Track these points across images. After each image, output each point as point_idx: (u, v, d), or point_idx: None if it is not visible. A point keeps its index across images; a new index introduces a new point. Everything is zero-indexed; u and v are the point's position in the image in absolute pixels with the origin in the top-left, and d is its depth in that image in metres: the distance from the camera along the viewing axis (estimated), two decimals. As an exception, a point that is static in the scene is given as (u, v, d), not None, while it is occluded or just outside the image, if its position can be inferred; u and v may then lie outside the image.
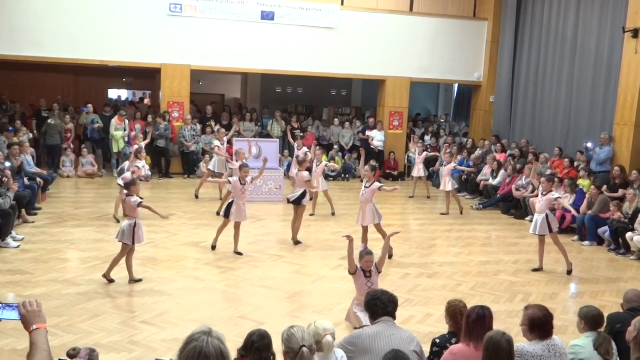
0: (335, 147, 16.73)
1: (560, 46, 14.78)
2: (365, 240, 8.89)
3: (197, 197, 12.77)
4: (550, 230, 8.73)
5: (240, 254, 8.86)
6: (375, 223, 8.89)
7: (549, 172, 12.73)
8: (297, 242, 9.58)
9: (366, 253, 6.35)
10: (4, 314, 2.71)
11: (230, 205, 8.89)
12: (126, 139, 14.84)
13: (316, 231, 10.53)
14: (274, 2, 15.58)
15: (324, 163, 12.36)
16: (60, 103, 16.38)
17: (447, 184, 12.52)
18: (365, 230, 8.98)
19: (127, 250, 7.46)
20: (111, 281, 7.44)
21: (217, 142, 13.08)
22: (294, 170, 13.22)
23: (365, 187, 8.98)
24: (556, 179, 11.55)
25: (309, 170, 10.55)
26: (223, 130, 13.72)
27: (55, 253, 8.58)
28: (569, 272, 8.82)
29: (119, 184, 10.72)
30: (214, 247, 9.03)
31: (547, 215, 8.71)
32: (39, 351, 2.56)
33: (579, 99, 14.12)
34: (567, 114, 14.57)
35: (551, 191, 8.85)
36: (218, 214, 10.85)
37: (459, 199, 13.15)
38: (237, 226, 8.92)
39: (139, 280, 7.51)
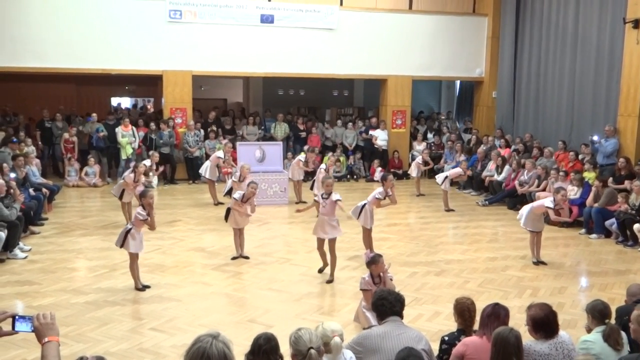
0: (339, 150, 16.71)
1: (561, 39, 14.74)
2: (368, 243, 8.87)
3: (221, 203, 12.66)
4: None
5: (247, 257, 8.86)
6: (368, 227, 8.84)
7: (554, 166, 12.73)
8: (330, 281, 8.00)
9: (379, 256, 6.20)
10: (18, 326, 2.74)
11: (228, 210, 8.88)
12: (134, 146, 14.89)
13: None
14: (273, 5, 15.61)
15: (323, 166, 12.39)
16: (62, 113, 16.44)
17: (446, 183, 12.75)
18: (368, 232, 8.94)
19: (134, 257, 7.47)
20: (143, 288, 7.50)
21: (220, 153, 13.16)
22: (294, 172, 13.34)
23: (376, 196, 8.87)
24: (553, 171, 11.67)
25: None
26: (230, 145, 13.72)
27: (62, 263, 8.62)
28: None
29: (113, 193, 10.82)
30: (234, 258, 8.87)
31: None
32: None
33: (581, 91, 14.07)
34: (570, 107, 14.53)
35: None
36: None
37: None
38: (240, 231, 8.93)
39: (141, 289, 7.51)
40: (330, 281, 7.94)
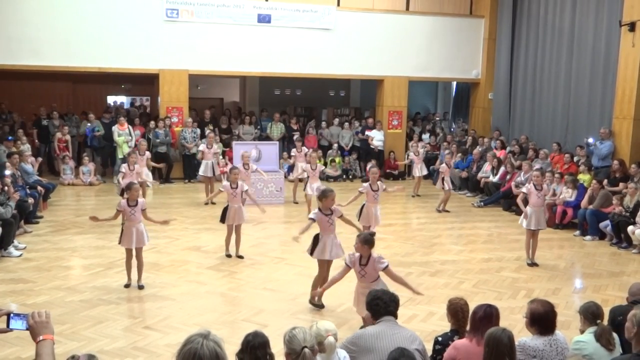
0: (335, 147, 16.78)
1: (558, 41, 14.79)
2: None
3: (213, 203, 12.71)
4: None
5: (241, 257, 8.86)
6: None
7: (549, 168, 12.77)
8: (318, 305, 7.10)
9: (371, 236, 6.03)
10: (13, 324, 2.74)
11: (225, 210, 8.86)
12: (131, 144, 14.86)
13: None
14: (270, 4, 15.61)
15: (319, 167, 12.38)
16: (56, 110, 16.41)
17: (446, 182, 12.71)
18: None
19: (127, 252, 7.54)
20: (127, 285, 7.53)
21: (202, 146, 13.35)
22: (298, 172, 13.32)
23: (374, 190, 9.00)
24: (548, 173, 11.75)
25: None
26: (212, 134, 13.89)
27: (57, 261, 8.60)
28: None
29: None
30: (229, 256, 8.90)
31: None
32: None
33: (577, 93, 14.12)
34: (565, 109, 14.58)
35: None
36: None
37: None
38: (236, 229, 8.91)
39: (126, 285, 7.52)
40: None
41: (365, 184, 9.10)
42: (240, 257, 8.87)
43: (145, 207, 7.64)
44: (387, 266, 5.82)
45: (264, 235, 10.42)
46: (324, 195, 7.04)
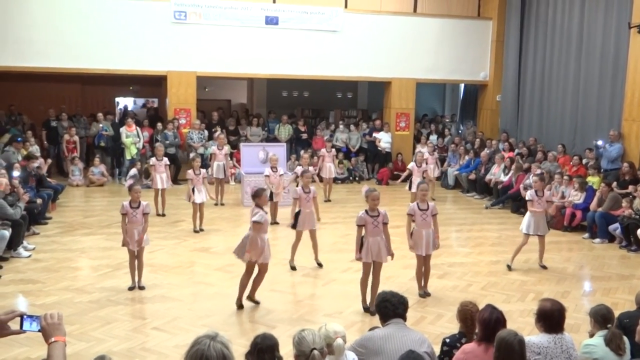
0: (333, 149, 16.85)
1: (566, 43, 14.73)
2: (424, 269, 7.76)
3: (222, 204, 12.94)
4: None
5: (320, 264, 8.60)
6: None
7: (558, 170, 12.71)
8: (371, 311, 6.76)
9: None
10: (26, 326, 2.76)
11: (297, 215, 8.55)
12: (139, 146, 14.90)
13: (326, 235, 10.51)
14: (278, 6, 15.65)
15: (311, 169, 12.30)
16: (65, 112, 16.51)
17: (414, 183, 11.99)
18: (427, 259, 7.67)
19: (129, 253, 7.55)
20: (131, 288, 7.53)
21: (212, 148, 13.57)
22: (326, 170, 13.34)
23: (422, 209, 7.53)
24: (557, 175, 11.69)
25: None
26: (222, 136, 13.95)
27: (66, 262, 8.65)
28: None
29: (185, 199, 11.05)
30: (294, 268, 8.50)
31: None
32: None
33: (586, 96, 14.05)
34: (574, 112, 14.51)
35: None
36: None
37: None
38: (312, 235, 8.59)
39: (132, 288, 7.52)
40: (371, 312, 6.71)
41: (412, 204, 7.67)
42: (320, 264, 8.57)
43: (148, 211, 7.62)
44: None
45: (271, 237, 10.24)
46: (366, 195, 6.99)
